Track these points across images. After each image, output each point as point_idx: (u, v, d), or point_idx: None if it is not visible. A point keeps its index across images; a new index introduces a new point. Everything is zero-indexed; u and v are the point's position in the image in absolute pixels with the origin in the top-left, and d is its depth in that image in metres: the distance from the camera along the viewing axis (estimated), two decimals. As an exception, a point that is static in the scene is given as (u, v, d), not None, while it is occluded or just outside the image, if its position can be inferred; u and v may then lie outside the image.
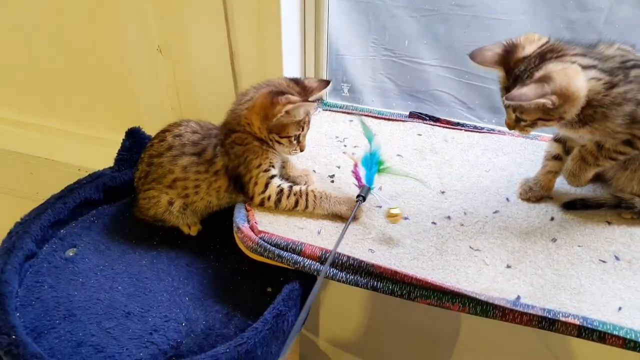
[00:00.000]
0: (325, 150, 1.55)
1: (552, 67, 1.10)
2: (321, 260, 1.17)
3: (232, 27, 1.54)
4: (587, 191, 1.37)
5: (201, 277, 1.29)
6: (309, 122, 1.31)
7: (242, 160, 1.29)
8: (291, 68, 1.68)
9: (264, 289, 1.27)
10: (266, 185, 1.29)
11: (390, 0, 1.93)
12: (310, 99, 1.26)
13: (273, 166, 1.32)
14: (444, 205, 1.33)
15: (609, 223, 1.27)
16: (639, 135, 1.19)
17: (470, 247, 1.20)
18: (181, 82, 1.73)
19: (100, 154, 1.74)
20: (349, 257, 1.16)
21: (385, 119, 1.70)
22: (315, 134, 1.63)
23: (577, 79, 1.08)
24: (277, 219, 1.27)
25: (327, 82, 1.33)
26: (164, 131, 1.40)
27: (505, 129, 1.39)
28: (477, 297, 1.07)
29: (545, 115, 1.13)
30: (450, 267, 1.15)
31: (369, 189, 1.29)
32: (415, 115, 1.69)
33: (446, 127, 1.65)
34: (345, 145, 1.57)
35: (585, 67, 1.11)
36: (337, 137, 1.61)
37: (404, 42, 2.02)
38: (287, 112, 1.20)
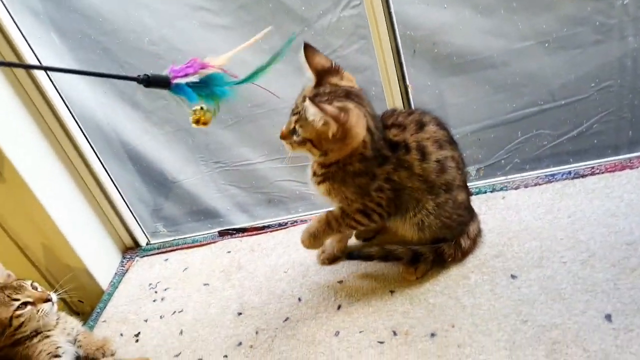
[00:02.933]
0: (136, 306, 1.51)
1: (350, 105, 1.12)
2: None
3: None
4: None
5: None
6: None
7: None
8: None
9: None
10: None
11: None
12: None
13: (58, 355, 1.28)
14: (239, 331, 1.29)
15: (392, 292, 1.25)
16: (371, 207, 1.21)
17: (254, 374, 1.16)
18: None
19: None
20: None
21: (197, 245, 1.69)
22: (130, 288, 1.61)
23: (360, 128, 1.11)
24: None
25: None
26: None
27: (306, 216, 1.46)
28: None
29: (317, 141, 1.13)
30: (232, 408, 1.10)
31: (168, 82, 1.01)
32: (224, 233, 1.70)
33: (253, 235, 1.65)
34: (156, 292, 1.54)
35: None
36: (150, 284, 1.59)
37: (228, 151, 2.08)
38: None
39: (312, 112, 1.07)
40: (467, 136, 1.77)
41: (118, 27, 1.78)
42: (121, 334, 1.43)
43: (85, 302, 1.64)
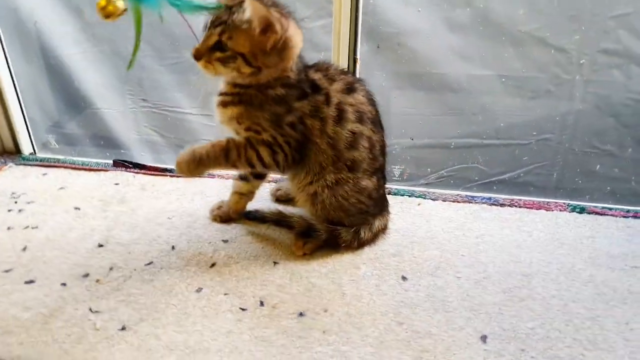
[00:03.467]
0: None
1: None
2: None
3: None
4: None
5: None
6: None
7: None
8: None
9: None
10: None
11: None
12: None
13: None
14: (91, 262, 1.11)
15: (276, 263, 1.13)
16: (279, 142, 1.08)
17: (89, 310, 0.98)
18: None
19: None
20: None
21: (85, 169, 1.50)
22: (-13, 194, 1.39)
23: (299, 38, 1.02)
24: None
25: None
26: None
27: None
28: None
29: (250, 55, 0.98)
30: (44, 337, 0.92)
31: None
32: (119, 164, 1.51)
33: (151, 174, 1.48)
34: (16, 202, 1.33)
35: None
36: (13, 193, 1.37)
37: (162, 93, 1.91)
38: None
39: (254, 12, 0.93)
40: (403, 149, 1.71)
41: None
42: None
43: None
